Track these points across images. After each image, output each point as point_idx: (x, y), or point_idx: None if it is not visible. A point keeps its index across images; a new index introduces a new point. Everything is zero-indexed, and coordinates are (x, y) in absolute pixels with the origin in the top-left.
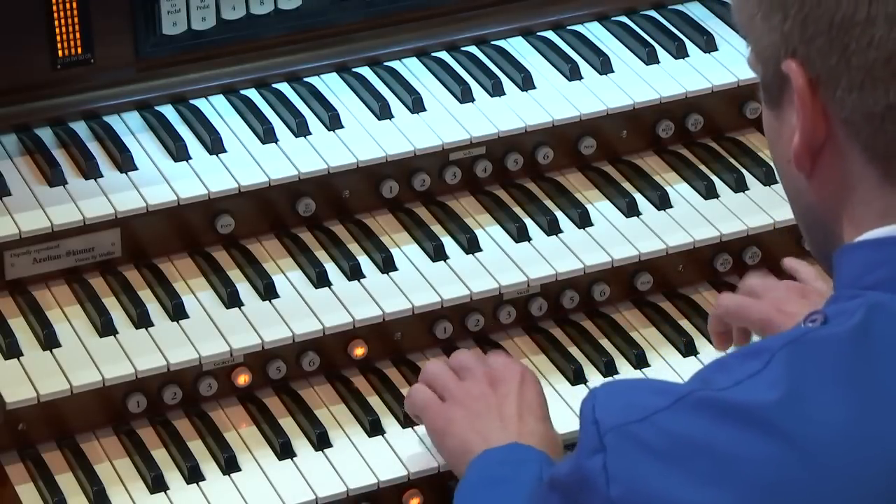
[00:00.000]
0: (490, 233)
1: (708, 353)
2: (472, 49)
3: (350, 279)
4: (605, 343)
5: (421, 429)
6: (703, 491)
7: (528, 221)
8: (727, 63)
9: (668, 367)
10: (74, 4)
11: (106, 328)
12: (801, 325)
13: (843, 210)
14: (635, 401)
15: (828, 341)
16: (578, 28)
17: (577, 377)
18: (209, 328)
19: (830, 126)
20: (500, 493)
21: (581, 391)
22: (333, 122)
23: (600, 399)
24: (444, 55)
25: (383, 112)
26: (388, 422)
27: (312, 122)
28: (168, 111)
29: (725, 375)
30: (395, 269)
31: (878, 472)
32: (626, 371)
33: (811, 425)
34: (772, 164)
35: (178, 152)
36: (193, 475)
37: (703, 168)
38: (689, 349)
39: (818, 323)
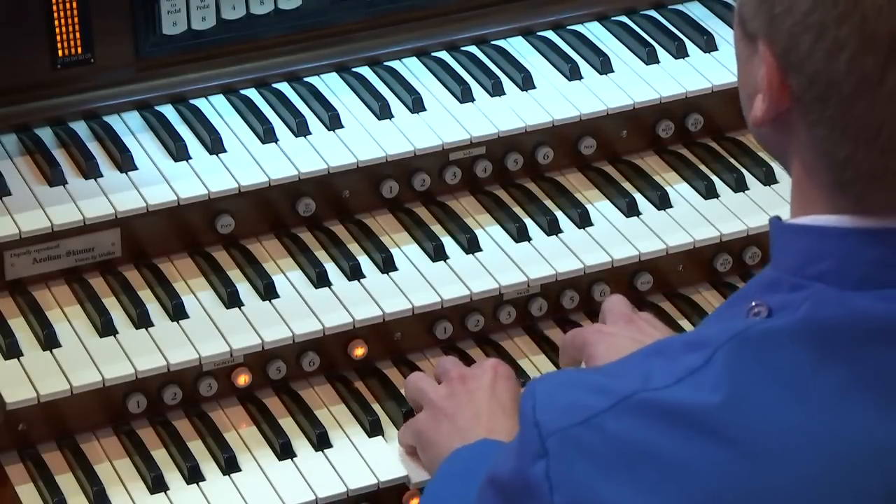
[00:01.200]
0: (490, 233)
1: None
2: (472, 49)
3: (350, 279)
4: None
5: None
6: (648, 499)
7: (528, 221)
8: (727, 63)
9: None
10: (74, 4)
11: (106, 328)
12: (745, 317)
13: (792, 167)
14: (576, 400)
15: (772, 337)
16: (578, 28)
17: None
18: (209, 328)
19: (792, 103)
20: (462, 487)
21: None
22: (333, 122)
23: (540, 398)
24: (444, 55)
25: (383, 112)
26: (388, 422)
27: (312, 122)
28: (168, 111)
29: (666, 367)
30: (395, 269)
31: (825, 473)
32: None
33: (755, 428)
34: (772, 164)
35: (178, 152)
36: (193, 475)
37: (703, 168)
38: None
39: (762, 315)
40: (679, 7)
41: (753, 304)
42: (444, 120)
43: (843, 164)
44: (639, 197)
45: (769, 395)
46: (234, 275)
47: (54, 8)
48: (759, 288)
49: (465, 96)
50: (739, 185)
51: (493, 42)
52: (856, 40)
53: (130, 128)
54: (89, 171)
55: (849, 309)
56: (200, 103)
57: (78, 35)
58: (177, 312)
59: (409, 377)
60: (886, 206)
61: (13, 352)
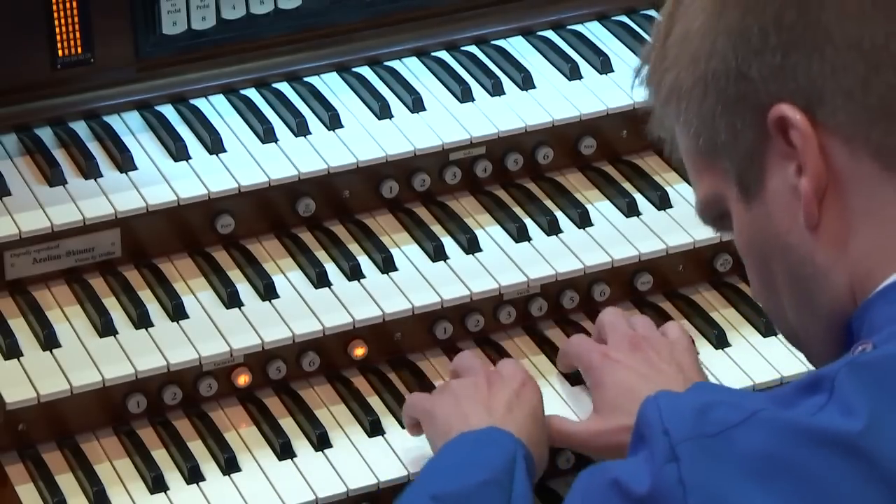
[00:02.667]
0: (490, 233)
1: (708, 353)
2: (472, 49)
3: (350, 279)
4: None
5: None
6: None
7: (528, 221)
8: None
9: None
10: (74, 4)
11: (106, 328)
12: (850, 355)
13: (873, 234)
14: (706, 411)
15: (887, 362)
16: (578, 28)
17: (576, 378)
18: (209, 328)
19: (831, 161)
20: (474, 458)
21: (581, 391)
22: (333, 122)
23: (666, 408)
24: (444, 55)
25: (383, 112)
26: (388, 422)
27: (312, 122)
28: (168, 111)
29: (792, 410)
30: (395, 269)
31: None
32: None
33: (894, 450)
34: None
35: (178, 152)
36: (193, 475)
37: None
38: None
39: (868, 349)
40: None
41: (856, 345)
42: (444, 120)
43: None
44: (639, 197)
45: None
46: (234, 275)
47: (54, 8)
48: (858, 338)
49: (465, 96)
50: None
51: (493, 42)
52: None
53: (130, 128)
54: (89, 171)
55: None
56: (200, 103)
57: (78, 35)
58: (177, 312)
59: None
60: None
61: (13, 352)
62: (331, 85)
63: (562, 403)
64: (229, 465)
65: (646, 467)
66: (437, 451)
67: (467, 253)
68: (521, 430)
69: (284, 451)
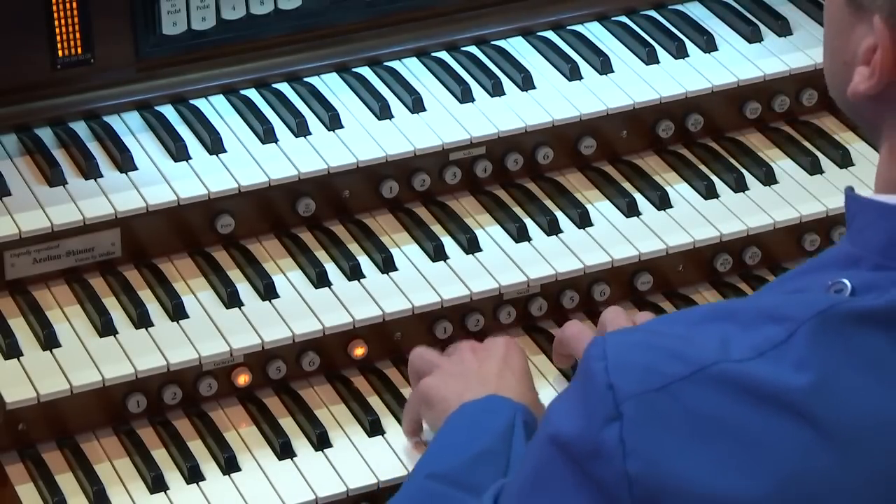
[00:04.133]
0: (490, 233)
1: None
2: (472, 49)
3: (350, 279)
4: None
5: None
6: (727, 476)
7: (528, 221)
8: (727, 63)
9: None
10: (74, 4)
11: (106, 328)
12: (826, 293)
13: (884, 141)
14: (652, 364)
15: (860, 319)
16: (578, 28)
17: None
18: (209, 328)
19: None
20: (470, 432)
21: None
22: (333, 122)
23: (613, 358)
24: (444, 55)
25: (383, 112)
26: (388, 422)
27: (312, 122)
28: (168, 111)
29: (744, 336)
30: (395, 269)
31: None
32: None
33: (842, 414)
34: (772, 164)
35: (178, 152)
36: (193, 475)
37: (703, 168)
38: None
39: (845, 293)
40: (679, 7)
41: (831, 281)
42: (444, 120)
43: None
44: (639, 197)
45: (856, 380)
46: (234, 275)
47: (54, 8)
48: (837, 263)
49: (465, 96)
50: (739, 185)
51: (493, 42)
52: None
53: (130, 128)
54: (89, 171)
55: None
56: (200, 103)
57: (78, 35)
58: (177, 312)
59: (414, 350)
60: None
61: (13, 352)
62: (331, 85)
63: None
64: (229, 465)
65: (588, 424)
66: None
67: (467, 253)
68: (516, 392)
69: (284, 451)
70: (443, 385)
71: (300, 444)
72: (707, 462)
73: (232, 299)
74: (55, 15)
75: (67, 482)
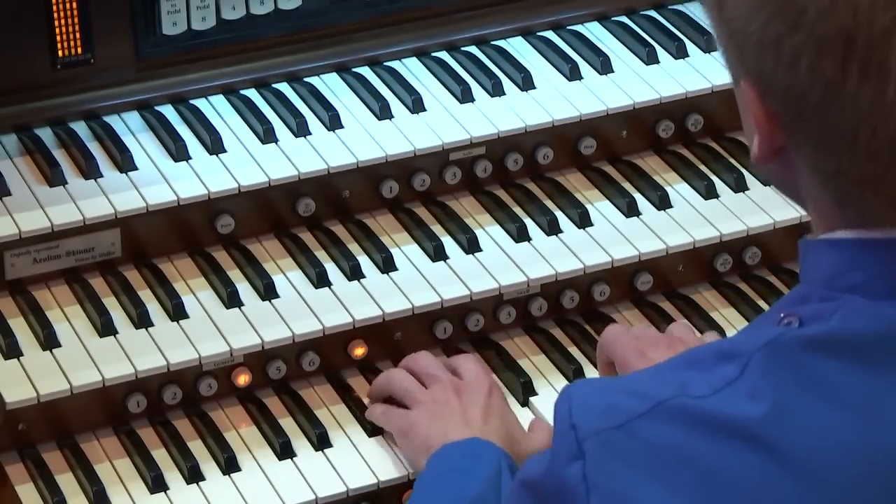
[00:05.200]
0: (490, 233)
1: None
2: (472, 49)
3: (350, 279)
4: None
5: None
6: (685, 502)
7: (528, 221)
8: None
9: None
10: (74, 4)
11: (106, 328)
12: (776, 326)
13: (804, 198)
14: (612, 403)
15: (804, 345)
16: (578, 28)
17: (576, 377)
18: (209, 328)
19: (783, 134)
20: (456, 482)
21: None
22: (333, 122)
23: (576, 401)
24: (444, 55)
25: (383, 112)
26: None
27: (312, 122)
28: (168, 111)
29: (700, 378)
30: (395, 269)
31: (862, 481)
32: None
33: (796, 439)
34: None
35: (178, 152)
36: (193, 475)
37: (703, 168)
38: None
39: (793, 325)
40: (679, 7)
41: (783, 315)
42: (444, 120)
43: (836, 177)
44: (639, 197)
45: (808, 405)
46: (234, 275)
47: (54, 8)
48: (790, 302)
49: (465, 96)
50: (739, 185)
51: (493, 42)
52: (811, 46)
53: (130, 128)
54: (89, 171)
55: (881, 319)
56: (200, 103)
57: (78, 35)
58: (177, 312)
59: (391, 373)
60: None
61: (13, 352)
62: (331, 85)
63: None
64: (229, 465)
65: (553, 463)
66: (421, 467)
67: (467, 253)
68: (499, 438)
69: (284, 451)
70: (427, 424)
71: (300, 444)
72: (667, 493)
73: (232, 299)
74: (55, 15)
75: (67, 482)
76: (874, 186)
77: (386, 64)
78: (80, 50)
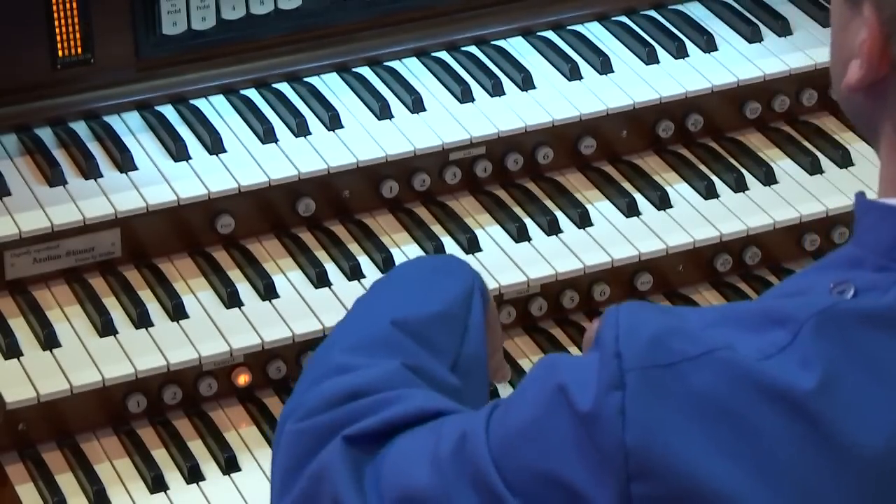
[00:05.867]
0: (490, 233)
1: None
2: (472, 49)
3: (350, 279)
4: None
5: None
6: (723, 461)
7: (528, 221)
8: (727, 63)
9: None
10: (74, 4)
11: (106, 328)
12: (829, 293)
13: (882, 141)
14: (662, 340)
15: (861, 318)
16: (578, 28)
17: None
18: (209, 328)
19: (890, 71)
20: (432, 286)
21: None
22: (333, 122)
23: (624, 327)
24: (444, 55)
25: (383, 112)
26: None
27: (312, 122)
28: (168, 111)
29: (749, 339)
30: None
31: None
32: None
33: (843, 414)
34: (772, 164)
35: (178, 152)
36: (193, 475)
37: (703, 168)
38: None
39: (847, 294)
40: (679, 7)
41: (835, 282)
42: (444, 120)
43: None
44: (639, 197)
45: (859, 380)
46: (234, 275)
47: (54, 8)
48: (840, 264)
49: (465, 96)
50: (739, 185)
51: (493, 42)
52: None
53: (130, 128)
54: (89, 171)
55: None
56: (200, 103)
57: (78, 35)
58: (177, 312)
59: None
60: None
61: (13, 352)
62: (331, 85)
63: None
64: (229, 465)
65: (593, 386)
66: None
67: (467, 253)
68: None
69: None
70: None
71: None
72: (704, 442)
73: (232, 299)
74: (55, 15)
75: (67, 482)
76: None
77: (386, 64)
78: (80, 50)
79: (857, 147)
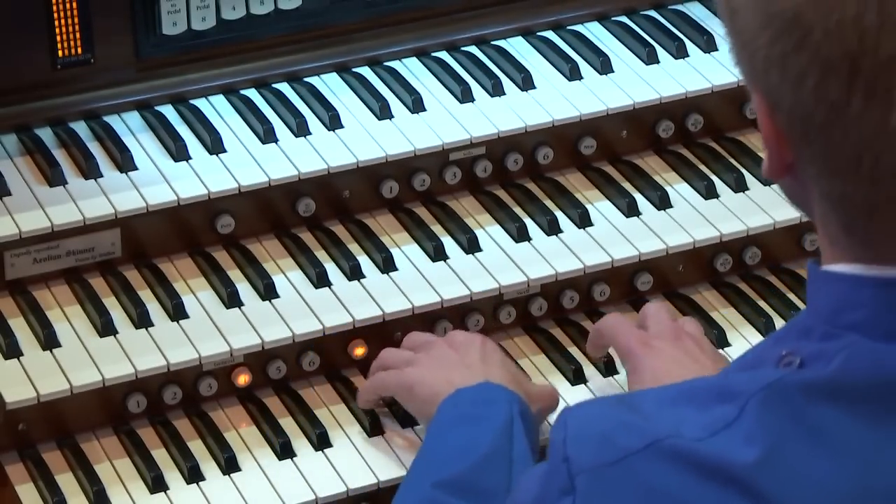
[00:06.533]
0: (490, 233)
1: None
2: (472, 49)
3: (350, 279)
4: None
5: (421, 429)
6: None
7: (528, 221)
8: (727, 63)
9: None
10: (74, 4)
11: (106, 328)
12: (776, 366)
13: (814, 217)
14: (608, 437)
15: (804, 391)
16: (578, 28)
17: (577, 377)
18: (209, 328)
19: (793, 155)
20: (471, 432)
21: (581, 391)
22: (333, 122)
23: (572, 430)
24: (444, 55)
25: (383, 112)
26: (388, 422)
27: (312, 122)
28: (168, 111)
29: (698, 417)
30: (395, 269)
31: None
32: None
33: (789, 487)
34: None
35: (178, 152)
36: (193, 475)
37: (703, 168)
38: None
39: (794, 365)
40: (679, 7)
41: (785, 352)
42: (444, 120)
43: (842, 201)
44: (639, 197)
45: (803, 452)
46: (234, 275)
47: (54, 8)
48: (793, 334)
49: (465, 96)
50: (739, 185)
51: (493, 42)
52: (816, 67)
53: (130, 128)
54: (89, 171)
55: (881, 366)
56: (200, 103)
57: (78, 35)
58: (177, 312)
59: (387, 350)
60: None
61: (13, 352)
62: (331, 85)
63: (562, 403)
64: (229, 465)
65: (544, 495)
66: (431, 416)
67: (467, 253)
68: (503, 377)
69: (284, 451)
70: (429, 375)
71: (300, 444)
72: None
73: (232, 299)
74: (55, 15)
75: (67, 482)
76: (880, 216)
77: (386, 64)
78: (80, 50)
79: None
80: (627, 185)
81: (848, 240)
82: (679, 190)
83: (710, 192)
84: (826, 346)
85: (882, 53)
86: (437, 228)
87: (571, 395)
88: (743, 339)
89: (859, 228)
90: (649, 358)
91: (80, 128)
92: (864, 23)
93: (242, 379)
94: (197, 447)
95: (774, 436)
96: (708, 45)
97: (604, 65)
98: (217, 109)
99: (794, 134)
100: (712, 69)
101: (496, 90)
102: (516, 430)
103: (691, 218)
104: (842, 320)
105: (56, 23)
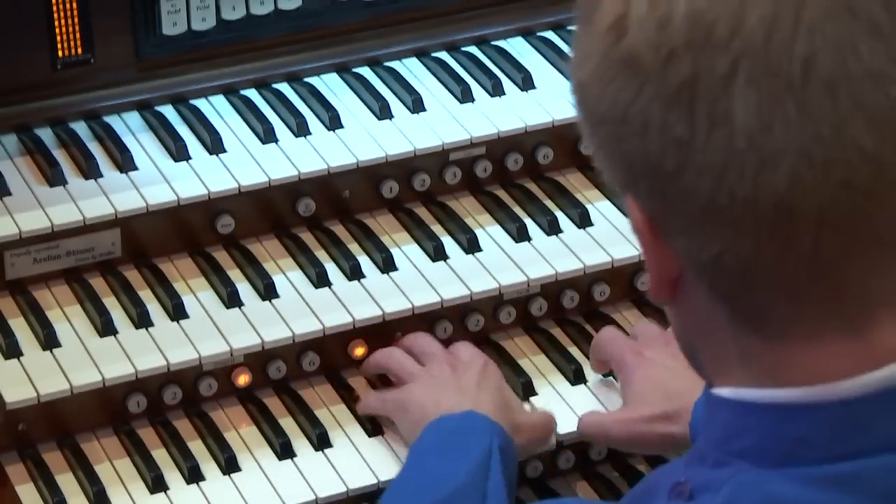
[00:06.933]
0: (490, 233)
1: None
2: (472, 49)
3: (350, 279)
4: None
5: None
6: None
7: (528, 221)
8: None
9: None
10: (74, 4)
11: (106, 328)
12: (668, 498)
13: (706, 345)
14: None
15: None
16: None
17: (577, 377)
18: (209, 328)
19: (679, 261)
20: (446, 463)
21: (581, 391)
22: (333, 122)
23: None
24: (444, 55)
25: (383, 112)
26: (388, 422)
27: (312, 122)
28: (168, 111)
29: None
30: (395, 269)
31: None
32: None
33: None
34: None
35: (178, 152)
36: (193, 475)
37: None
38: None
39: (683, 497)
40: None
41: (683, 479)
42: (444, 120)
43: (717, 276)
44: None
45: None
46: (234, 275)
47: (54, 8)
48: (690, 460)
49: (465, 96)
50: None
51: (493, 42)
52: (656, 105)
53: (130, 128)
54: (89, 171)
55: (766, 494)
56: (200, 103)
57: (78, 35)
58: (177, 312)
59: (391, 352)
60: (789, 366)
61: (13, 352)
62: (331, 85)
63: (562, 403)
64: (229, 465)
65: None
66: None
67: (467, 253)
68: (494, 406)
69: (284, 451)
70: (422, 395)
71: (300, 444)
72: None
73: (232, 299)
74: (55, 15)
75: (67, 482)
76: (763, 310)
77: (386, 64)
78: (80, 50)
79: None
80: None
81: (739, 360)
82: None
83: None
84: (715, 475)
85: (717, 73)
86: (437, 228)
87: (571, 395)
88: None
89: (745, 336)
90: (641, 368)
91: (80, 128)
92: (695, 45)
93: (242, 379)
94: (197, 447)
95: None
96: None
97: None
98: (217, 109)
99: (653, 203)
100: None
101: (496, 90)
102: (493, 463)
103: None
104: (731, 447)
105: (56, 23)
